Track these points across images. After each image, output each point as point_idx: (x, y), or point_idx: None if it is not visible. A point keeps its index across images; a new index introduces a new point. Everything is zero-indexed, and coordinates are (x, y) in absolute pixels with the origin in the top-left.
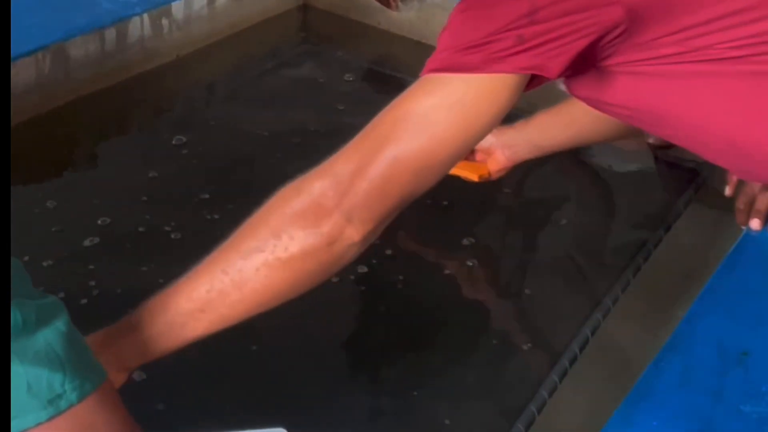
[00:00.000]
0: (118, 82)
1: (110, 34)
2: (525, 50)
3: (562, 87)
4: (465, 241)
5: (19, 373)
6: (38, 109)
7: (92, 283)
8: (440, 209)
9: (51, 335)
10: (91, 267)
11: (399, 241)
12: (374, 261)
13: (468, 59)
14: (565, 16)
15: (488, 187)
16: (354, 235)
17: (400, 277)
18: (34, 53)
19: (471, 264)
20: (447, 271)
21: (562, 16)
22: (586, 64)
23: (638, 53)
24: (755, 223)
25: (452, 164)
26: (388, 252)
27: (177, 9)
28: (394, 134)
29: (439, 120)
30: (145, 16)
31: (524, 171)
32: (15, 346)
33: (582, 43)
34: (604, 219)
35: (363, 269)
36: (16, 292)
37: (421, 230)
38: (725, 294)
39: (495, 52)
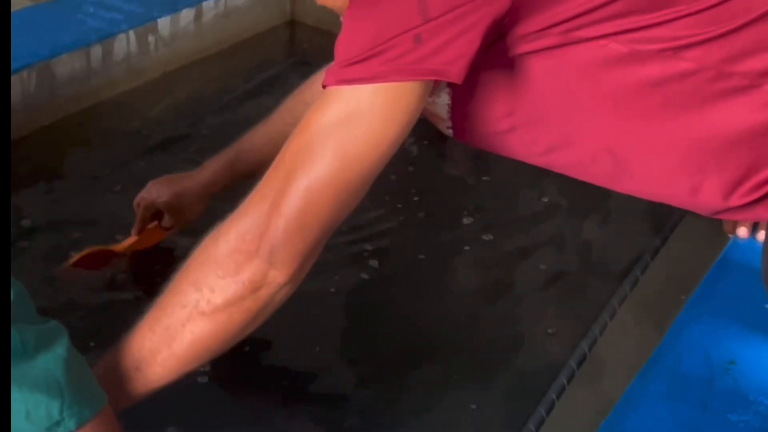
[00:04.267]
0: (104, 100)
1: (96, 51)
2: (425, 55)
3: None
4: (463, 248)
5: (18, 399)
6: (24, 129)
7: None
8: (436, 221)
9: (51, 361)
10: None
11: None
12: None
13: (366, 69)
14: (457, 7)
15: (481, 197)
16: (279, 277)
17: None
18: (20, 72)
19: (466, 272)
20: (445, 283)
21: (454, 8)
22: (476, 73)
23: (522, 46)
24: (742, 232)
25: (369, 182)
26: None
27: (163, 26)
28: (302, 162)
29: (345, 138)
30: (131, 33)
31: (517, 185)
32: (14, 371)
33: (478, 39)
34: (600, 230)
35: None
36: (18, 317)
37: (415, 244)
38: (712, 303)
39: (393, 58)
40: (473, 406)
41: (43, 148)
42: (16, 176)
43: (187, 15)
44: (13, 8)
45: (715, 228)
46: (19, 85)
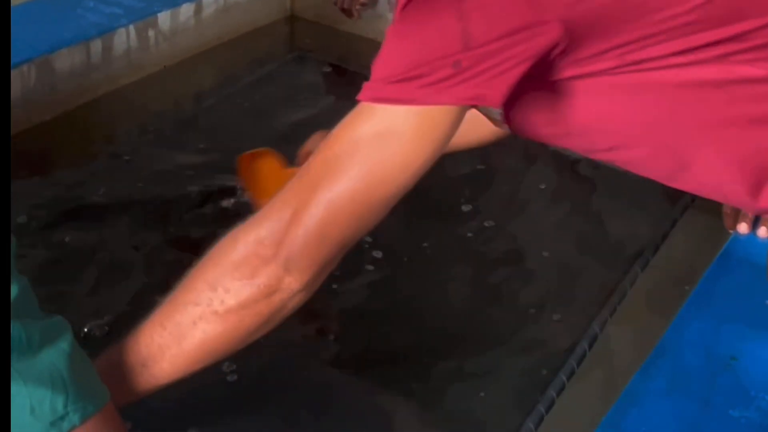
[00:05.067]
0: (104, 95)
1: (96, 46)
2: (464, 80)
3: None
4: (466, 234)
5: (23, 393)
6: (24, 123)
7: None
8: (435, 209)
9: (55, 355)
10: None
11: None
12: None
13: (404, 90)
14: (501, 38)
15: (477, 185)
16: (293, 284)
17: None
18: (20, 66)
19: (471, 260)
20: (448, 276)
21: (497, 39)
22: (524, 86)
23: (579, 68)
24: (743, 227)
25: (393, 202)
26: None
27: (163, 20)
28: (328, 174)
29: (373, 157)
30: (131, 27)
31: (512, 173)
32: (19, 366)
33: (522, 67)
34: (602, 226)
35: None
36: (22, 312)
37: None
38: (713, 299)
39: (433, 82)
40: (482, 394)
41: (43, 142)
42: (15, 171)
43: (187, 10)
44: (13, 3)
45: (716, 224)
46: (19, 79)
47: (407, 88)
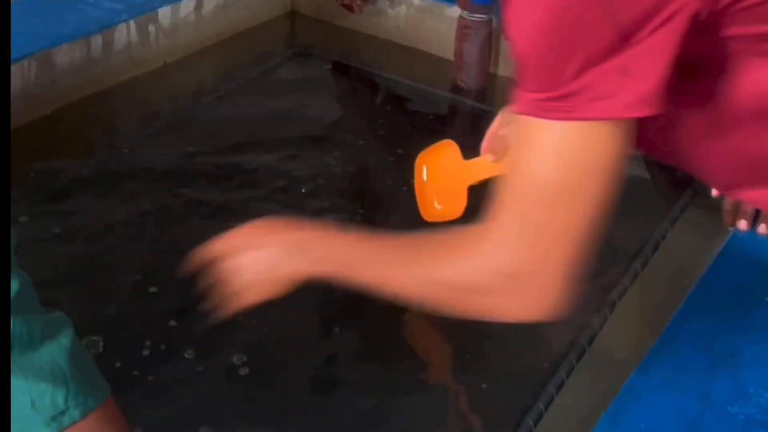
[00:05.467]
0: (104, 89)
1: (96, 41)
2: (635, 85)
3: None
4: None
5: (23, 388)
6: (24, 117)
7: None
8: None
9: (56, 350)
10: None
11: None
12: None
13: (588, 105)
14: (651, 17)
15: (480, 189)
16: (543, 309)
17: None
18: (20, 61)
19: None
20: None
21: (648, 17)
22: None
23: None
24: (742, 224)
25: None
26: None
27: (164, 16)
28: (561, 216)
29: (592, 183)
30: (132, 23)
31: None
32: (20, 360)
33: (673, 55)
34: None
35: None
36: (23, 308)
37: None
38: (713, 296)
39: (605, 94)
40: (482, 390)
41: (43, 136)
42: (15, 165)
43: (187, 5)
44: None
45: (716, 221)
46: (19, 74)
47: (577, 103)
